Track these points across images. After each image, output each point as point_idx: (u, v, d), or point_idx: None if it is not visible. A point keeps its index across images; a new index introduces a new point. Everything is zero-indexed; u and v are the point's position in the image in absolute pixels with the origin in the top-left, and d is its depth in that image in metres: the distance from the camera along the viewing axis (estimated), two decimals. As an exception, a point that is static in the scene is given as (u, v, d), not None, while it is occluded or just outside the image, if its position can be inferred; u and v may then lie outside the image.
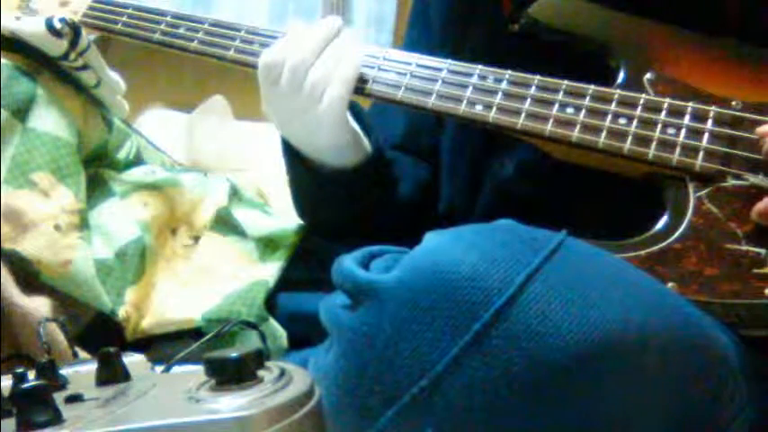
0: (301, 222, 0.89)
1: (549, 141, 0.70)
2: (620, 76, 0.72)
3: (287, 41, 0.77)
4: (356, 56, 0.77)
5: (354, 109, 0.81)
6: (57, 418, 0.39)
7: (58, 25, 0.80)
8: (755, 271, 0.61)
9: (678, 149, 0.67)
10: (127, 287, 0.80)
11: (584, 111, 0.70)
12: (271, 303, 0.82)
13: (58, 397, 0.43)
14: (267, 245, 0.88)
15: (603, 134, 0.68)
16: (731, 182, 0.65)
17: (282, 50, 0.76)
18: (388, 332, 0.49)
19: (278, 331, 0.80)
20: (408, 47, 0.87)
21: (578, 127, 0.69)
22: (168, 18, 0.86)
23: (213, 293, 0.82)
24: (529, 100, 0.71)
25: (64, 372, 0.51)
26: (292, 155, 0.82)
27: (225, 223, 0.89)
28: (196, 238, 0.89)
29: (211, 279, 0.84)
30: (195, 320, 0.80)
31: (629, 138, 0.68)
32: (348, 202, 0.83)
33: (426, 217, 0.89)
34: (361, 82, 0.77)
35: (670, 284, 0.62)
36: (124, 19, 0.88)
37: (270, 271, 0.85)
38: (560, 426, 0.47)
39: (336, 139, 0.78)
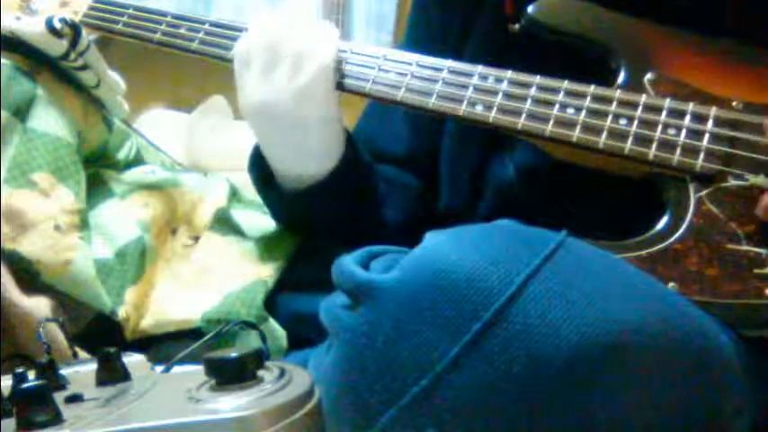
0: None
1: (549, 142, 0.70)
2: (621, 77, 0.72)
3: (257, 27, 0.78)
4: (333, 31, 0.78)
5: None
6: (57, 418, 0.39)
7: (58, 25, 0.80)
8: (756, 271, 0.61)
9: (679, 150, 0.67)
10: (127, 287, 0.80)
11: (584, 111, 0.70)
12: (271, 303, 0.82)
13: (58, 397, 0.43)
14: (266, 245, 0.88)
15: (604, 135, 0.68)
16: (732, 182, 0.65)
17: (256, 34, 0.77)
18: (388, 332, 0.49)
19: (278, 331, 0.80)
20: (408, 47, 0.88)
21: (579, 127, 0.69)
22: (169, 18, 0.86)
23: (213, 293, 0.82)
24: (529, 100, 0.71)
25: (64, 372, 0.51)
26: (261, 175, 0.82)
27: (224, 223, 0.89)
28: (196, 239, 0.89)
29: (211, 279, 0.84)
30: (195, 320, 0.80)
31: (630, 138, 0.68)
32: (318, 216, 0.83)
33: (418, 226, 0.89)
34: (361, 81, 0.77)
35: (671, 285, 0.62)
36: (125, 19, 0.88)
37: (269, 271, 0.85)
38: (560, 425, 0.47)
39: (327, 110, 0.77)
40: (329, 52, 0.76)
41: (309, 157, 0.79)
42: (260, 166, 0.83)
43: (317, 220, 0.85)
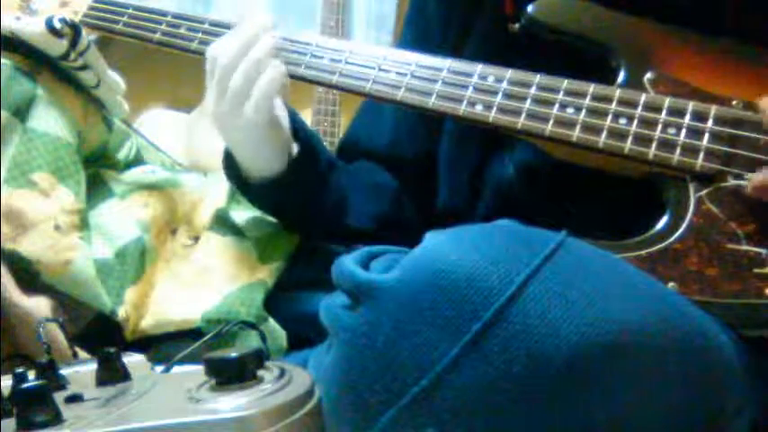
0: None
1: (549, 141, 0.70)
2: (621, 76, 0.72)
3: (228, 38, 0.80)
4: (275, 68, 0.78)
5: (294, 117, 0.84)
6: (57, 418, 0.39)
7: (57, 25, 0.79)
8: (756, 271, 0.61)
9: (679, 149, 0.67)
10: (126, 287, 0.80)
11: (584, 111, 0.70)
12: (271, 303, 0.82)
13: (58, 397, 0.43)
14: (266, 245, 0.88)
15: (604, 134, 0.68)
16: (732, 182, 0.65)
17: (221, 47, 0.79)
18: (388, 332, 0.49)
19: (277, 331, 0.80)
20: (405, 45, 0.88)
21: (579, 127, 0.69)
22: (169, 18, 0.86)
23: (213, 294, 0.82)
24: (529, 100, 0.71)
25: (64, 372, 0.51)
26: (228, 165, 0.85)
27: (224, 223, 0.89)
28: (196, 239, 0.89)
29: (211, 279, 0.84)
30: (195, 320, 0.80)
31: (630, 138, 0.68)
32: (280, 209, 0.87)
33: (400, 226, 0.90)
34: (361, 81, 0.77)
35: (670, 284, 0.62)
36: (125, 19, 0.88)
37: (269, 271, 0.85)
38: (560, 426, 0.47)
39: (268, 130, 0.80)
40: (273, 86, 0.78)
41: (260, 161, 0.82)
42: (229, 161, 0.86)
43: (277, 212, 0.89)
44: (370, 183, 0.92)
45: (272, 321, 0.80)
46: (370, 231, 0.88)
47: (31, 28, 0.80)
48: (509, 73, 0.73)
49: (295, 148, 0.84)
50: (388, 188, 0.92)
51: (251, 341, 0.77)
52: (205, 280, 0.84)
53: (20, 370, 0.45)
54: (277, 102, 0.81)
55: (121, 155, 0.92)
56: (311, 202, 0.86)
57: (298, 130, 0.84)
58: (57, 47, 0.80)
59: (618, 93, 0.70)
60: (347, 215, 0.88)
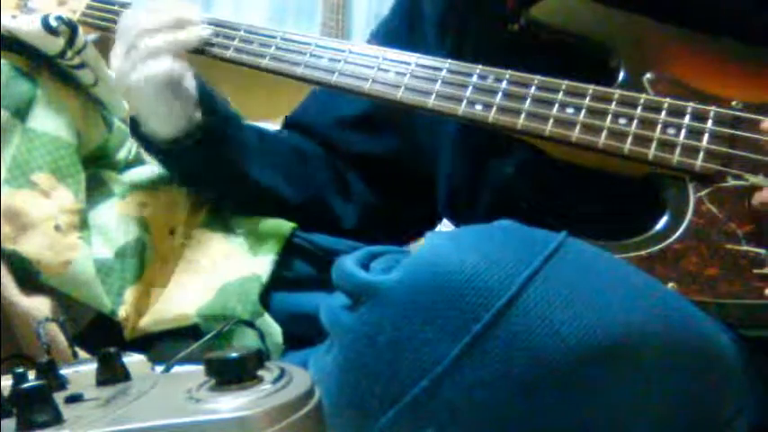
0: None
1: (549, 141, 0.70)
2: (620, 76, 0.72)
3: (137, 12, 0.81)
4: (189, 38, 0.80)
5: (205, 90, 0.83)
6: (57, 418, 0.39)
7: (54, 23, 0.79)
8: (755, 271, 0.61)
9: (678, 149, 0.67)
10: (126, 287, 0.80)
11: (584, 111, 0.70)
12: (269, 303, 0.82)
13: (58, 397, 0.43)
14: (256, 239, 0.87)
15: (604, 134, 0.68)
16: (731, 182, 0.65)
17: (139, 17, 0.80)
18: (388, 333, 0.49)
19: (272, 327, 0.79)
20: (383, 36, 0.87)
21: (578, 127, 0.69)
22: (168, 17, 0.86)
23: (206, 289, 0.82)
24: (529, 100, 0.71)
25: (64, 372, 0.51)
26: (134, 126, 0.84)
27: (214, 220, 0.89)
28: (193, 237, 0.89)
29: (204, 275, 0.84)
30: (190, 316, 0.80)
31: (630, 138, 0.68)
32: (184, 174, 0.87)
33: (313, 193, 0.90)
34: (360, 81, 0.77)
35: (670, 285, 0.62)
36: (123, 18, 0.87)
37: (263, 265, 0.84)
38: (560, 426, 0.47)
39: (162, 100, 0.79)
40: (165, 64, 0.78)
41: (155, 123, 0.81)
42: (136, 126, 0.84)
43: (187, 176, 0.89)
44: (288, 144, 0.91)
45: (267, 317, 0.80)
46: (273, 187, 0.87)
47: (26, 26, 0.80)
48: (508, 73, 0.73)
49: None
50: (307, 153, 0.91)
51: (248, 338, 0.77)
52: (198, 276, 0.84)
53: (20, 370, 0.45)
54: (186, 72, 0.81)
55: (121, 155, 0.92)
56: (225, 167, 0.85)
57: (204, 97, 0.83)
58: (53, 45, 0.80)
59: (617, 93, 0.70)
60: (251, 166, 0.86)
